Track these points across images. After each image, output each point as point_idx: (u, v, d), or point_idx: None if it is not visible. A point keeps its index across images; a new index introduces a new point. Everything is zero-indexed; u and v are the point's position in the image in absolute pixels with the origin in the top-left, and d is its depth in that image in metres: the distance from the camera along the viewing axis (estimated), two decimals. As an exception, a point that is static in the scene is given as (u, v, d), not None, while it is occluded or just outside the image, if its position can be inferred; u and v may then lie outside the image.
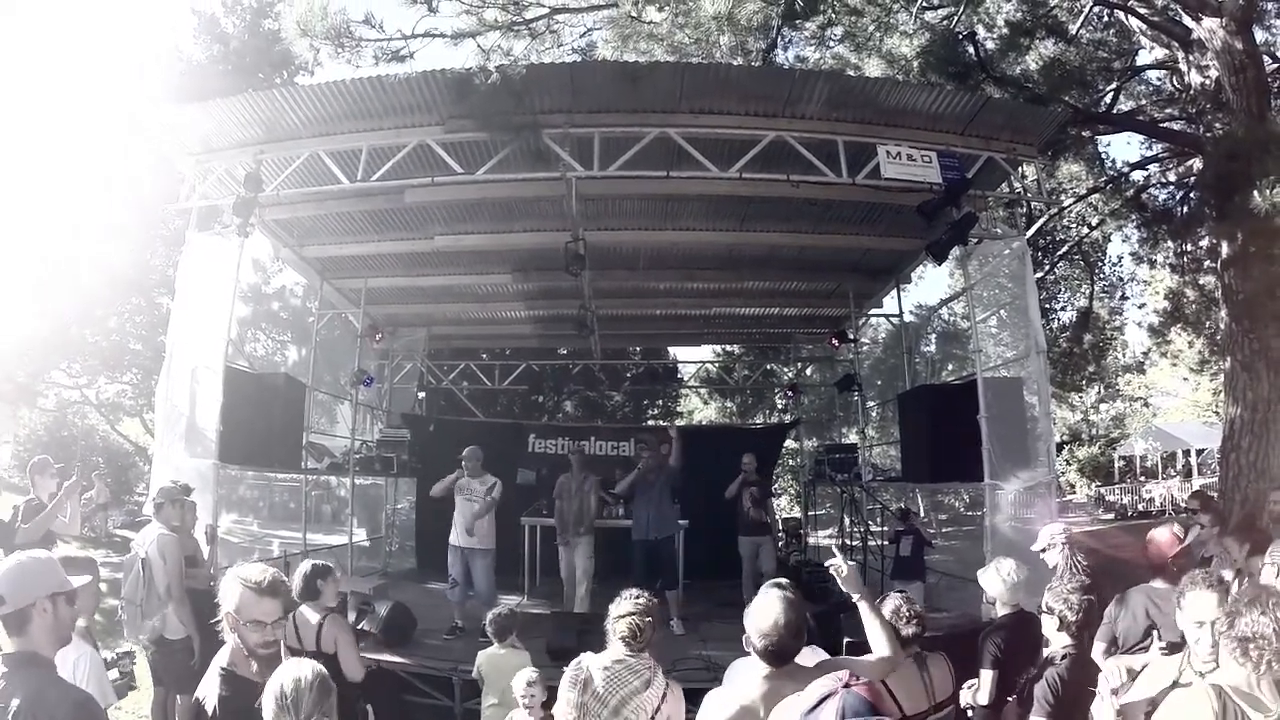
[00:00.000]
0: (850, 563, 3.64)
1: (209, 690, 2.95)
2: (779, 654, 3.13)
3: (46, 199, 18.34)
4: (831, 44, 13.22)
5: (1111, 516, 25.36)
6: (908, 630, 4.27)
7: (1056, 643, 4.15)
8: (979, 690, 4.52)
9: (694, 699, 6.99)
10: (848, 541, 12.05)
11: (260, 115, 8.52)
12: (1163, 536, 4.98)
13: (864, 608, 3.58)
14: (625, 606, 3.78)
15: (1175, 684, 3.22)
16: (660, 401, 29.22)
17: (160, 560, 6.19)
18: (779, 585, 3.65)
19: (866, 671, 3.37)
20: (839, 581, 3.64)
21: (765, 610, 3.17)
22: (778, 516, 18.31)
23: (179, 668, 6.14)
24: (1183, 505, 15.97)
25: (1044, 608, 4.24)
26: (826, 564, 3.70)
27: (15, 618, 2.75)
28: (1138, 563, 5.57)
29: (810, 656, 3.45)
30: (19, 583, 2.78)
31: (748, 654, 3.63)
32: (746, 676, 3.24)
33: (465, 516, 8.90)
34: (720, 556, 10.55)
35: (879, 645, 3.50)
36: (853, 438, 16.10)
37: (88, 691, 3.01)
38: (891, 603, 4.39)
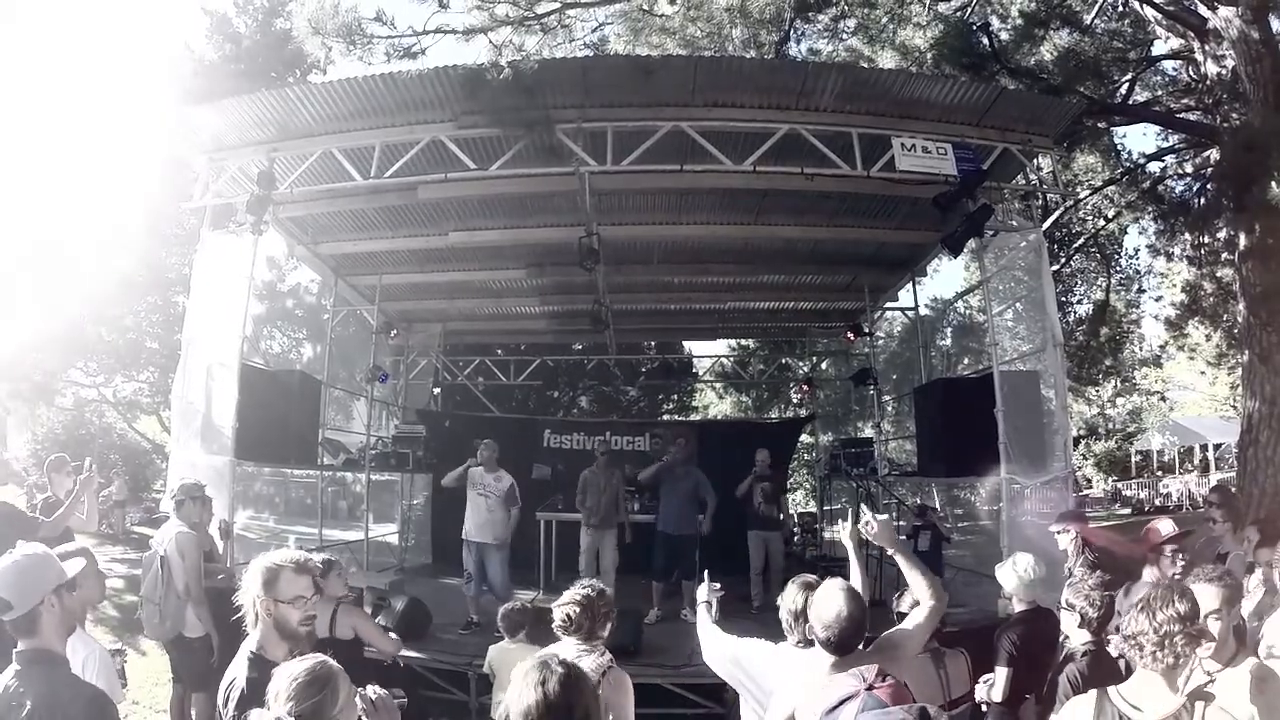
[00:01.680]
0: (881, 516, 3.72)
1: (238, 672, 2.97)
2: (841, 645, 3.11)
3: (61, 198, 18.46)
4: (844, 36, 13.24)
5: (1128, 511, 25.25)
6: None
7: (1077, 639, 4.12)
8: (993, 686, 4.50)
9: (703, 691, 6.98)
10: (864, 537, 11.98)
11: (273, 113, 8.55)
12: (1154, 529, 5.04)
13: (900, 559, 3.67)
14: (565, 597, 3.83)
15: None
16: (675, 396, 29.18)
17: (179, 558, 6.18)
18: (805, 580, 3.68)
19: (918, 636, 3.45)
20: (870, 538, 3.74)
21: (828, 601, 3.15)
22: (792, 512, 18.33)
23: (198, 665, 6.15)
24: (1202, 499, 15.88)
25: (1064, 604, 4.21)
26: (861, 522, 3.77)
27: (24, 620, 2.75)
28: (1130, 557, 5.59)
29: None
30: (23, 585, 2.78)
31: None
32: (812, 667, 3.22)
33: (479, 511, 8.90)
34: (733, 551, 10.53)
35: (921, 593, 3.56)
36: (868, 432, 16.05)
37: (100, 688, 3.00)
38: (911, 598, 4.38)
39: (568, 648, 3.67)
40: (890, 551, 3.73)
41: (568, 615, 3.73)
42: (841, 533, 3.81)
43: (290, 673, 2.46)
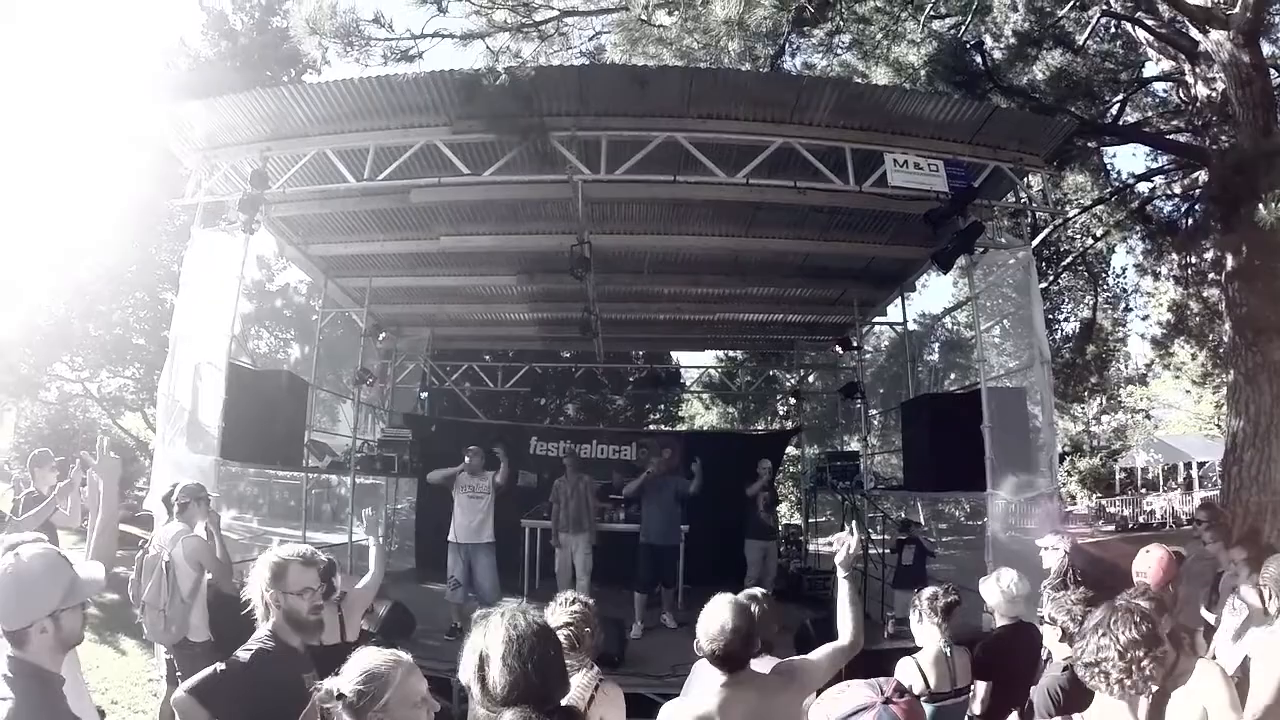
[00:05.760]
0: (857, 542, 3.73)
1: (254, 644, 3.21)
2: (728, 659, 3.12)
3: (52, 193, 18.37)
4: (839, 52, 13.32)
5: (1112, 528, 25.34)
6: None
7: (1058, 654, 4.13)
8: (973, 700, 4.52)
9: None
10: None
11: (268, 112, 8.52)
12: (1161, 558, 4.95)
13: (846, 589, 3.65)
14: (561, 617, 3.64)
15: None
16: (662, 406, 29.21)
17: (186, 565, 6.06)
18: (749, 593, 3.71)
19: (824, 666, 3.41)
20: (841, 554, 3.72)
21: (713, 615, 3.17)
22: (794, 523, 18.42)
23: (200, 669, 6.05)
24: (1188, 517, 15.91)
25: (1047, 618, 4.22)
26: (836, 539, 3.87)
27: (13, 635, 2.59)
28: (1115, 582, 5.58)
29: (767, 663, 3.48)
30: (16, 602, 2.59)
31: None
32: (702, 685, 3.22)
33: (468, 513, 8.91)
34: (722, 561, 10.56)
35: (844, 629, 3.56)
36: (855, 445, 16.07)
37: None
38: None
39: None
40: (841, 575, 3.70)
41: (576, 637, 3.60)
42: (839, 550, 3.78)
43: (364, 658, 2.53)
